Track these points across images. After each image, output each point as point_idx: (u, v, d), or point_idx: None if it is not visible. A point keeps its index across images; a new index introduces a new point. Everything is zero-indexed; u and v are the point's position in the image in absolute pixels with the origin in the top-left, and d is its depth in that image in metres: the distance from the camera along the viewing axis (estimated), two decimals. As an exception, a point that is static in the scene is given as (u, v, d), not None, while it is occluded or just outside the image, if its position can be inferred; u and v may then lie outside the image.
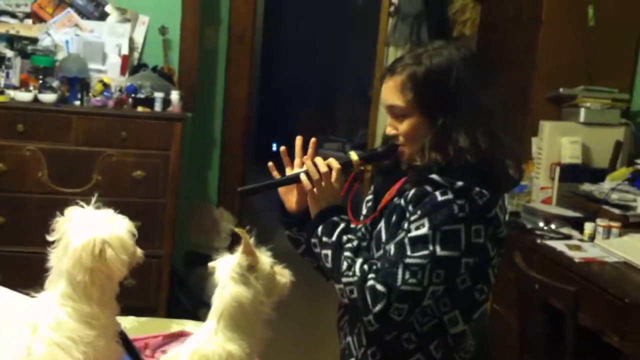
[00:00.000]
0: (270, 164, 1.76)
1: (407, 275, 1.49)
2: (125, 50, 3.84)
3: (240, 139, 4.85)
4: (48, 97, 3.54)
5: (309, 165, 1.65)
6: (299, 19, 7.94)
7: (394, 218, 1.61)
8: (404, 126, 1.63)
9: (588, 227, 3.02)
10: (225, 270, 1.47)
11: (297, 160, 1.74)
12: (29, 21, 3.82)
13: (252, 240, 1.49)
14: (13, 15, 3.80)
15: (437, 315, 1.60)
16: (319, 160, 1.66)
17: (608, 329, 2.53)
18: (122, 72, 3.82)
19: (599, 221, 2.99)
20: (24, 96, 3.53)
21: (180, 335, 2.04)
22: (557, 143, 3.42)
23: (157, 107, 3.68)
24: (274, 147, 8.73)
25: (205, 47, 4.40)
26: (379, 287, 1.49)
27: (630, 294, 2.46)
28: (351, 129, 7.42)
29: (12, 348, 1.52)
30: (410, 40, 4.03)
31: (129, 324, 2.09)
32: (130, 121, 3.63)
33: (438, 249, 1.50)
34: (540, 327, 2.69)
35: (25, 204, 3.58)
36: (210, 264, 1.52)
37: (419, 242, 1.51)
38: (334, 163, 1.66)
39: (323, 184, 1.64)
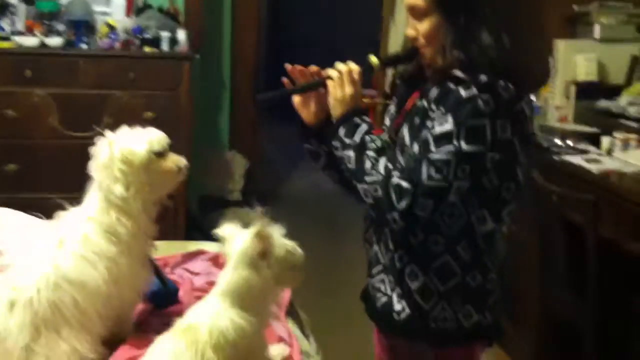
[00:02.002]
0: (288, 68, 1.71)
1: (432, 171, 1.45)
2: (129, -9, 3.79)
3: (250, 82, 4.80)
4: (54, 41, 3.51)
5: (330, 70, 1.62)
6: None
7: (417, 120, 1.58)
8: (424, 26, 1.57)
9: (606, 141, 2.98)
10: (237, 249, 1.45)
11: (313, 69, 1.69)
12: (31, -33, 3.77)
13: (267, 223, 1.46)
14: (14, -39, 3.75)
15: (464, 216, 1.56)
16: (338, 64, 1.63)
17: (629, 238, 2.51)
18: (128, 14, 3.78)
19: (617, 134, 2.95)
20: (30, 41, 3.50)
21: (199, 254, 2.04)
22: (572, 61, 3.36)
23: (164, 46, 3.65)
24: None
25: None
26: (404, 183, 1.46)
27: (651, 200, 2.43)
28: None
29: (40, 260, 1.52)
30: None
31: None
32: (138, 62, 3.60)
33: (463, 144, 1.46)
34: (559, 243, 2.67)
35: (36, 150, 3.58)
36: (222, 234, 1.49)
37: (443, 138, 1.47)
38: (353, 65, 1.62)
39: (345, 86, 1.60)
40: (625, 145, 2.91)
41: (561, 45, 3.40)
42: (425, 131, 1.51)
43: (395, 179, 1.47)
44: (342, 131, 1.58)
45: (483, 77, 1.47)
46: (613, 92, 3.28)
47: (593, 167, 2.78)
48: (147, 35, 3.65)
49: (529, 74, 1.57)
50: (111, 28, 3.63)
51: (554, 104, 3.41)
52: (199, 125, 4.33)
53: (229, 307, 1.44)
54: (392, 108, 1.78)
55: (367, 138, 1.56)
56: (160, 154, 1.66)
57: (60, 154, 3.50)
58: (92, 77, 3.55)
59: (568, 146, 3.08)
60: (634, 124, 3.00)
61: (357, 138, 1.56)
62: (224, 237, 1.49)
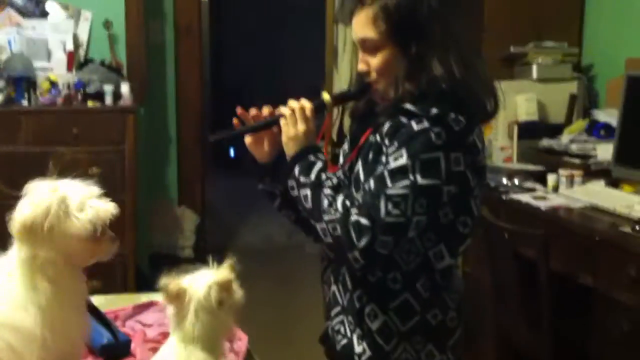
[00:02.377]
0: (238, 111, 1.68)
1: (390, 207, 1.44)
2: (70, 47, 3.76)
3: (196, 135, 4.77)
4: (-6, 98, 3.44)
5: (282, 108, 1.61)
6: (243, 15, 7.89)
7: (370, 155, 1.57)
8: (377, 60, 1.57)
9: (551, 178, 3.04)
10: (196, 295, 1.42)
11: (265, 110, 1.67)
12: (-32, 24, 3.72)
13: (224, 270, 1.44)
14: (-50, 19, 3.69)
15: (422, 252, 1.55)
16: (291, 101, 1.61)
17: (580, 271, 2.54)
18: (69, 69, 3.73)
19: (562, 171, 3.01)
20: (-32, 99, 3.43)
21: (150, 305, 1.98)
22: (512, 102, 3.43)
23: (108, 100, 3.61)
24: (232, 154, 8.66)
25: (151, 41, 4.33)
26: (363, 220, 1.43)
27: (600, 232, 2.47)
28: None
29: None
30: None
31: (96, 301, 2.01)
32: (81, 116, 3.55)
33: (419, 177, 1.45)
34: (512, 277, 2.69)
35: (-22, 210, 3.46)
36: (174, 284, 1.45)
37: (398, 173, 1.46)
38: (306, 103, 1.61)
39: (298, 124, 1.58)
40: (571, 181, 2.96)
41: (501, 86, 3.46)
42: (380, 167, 1.50)
43: (354, 217, 1.45)
44: (297, 170, 1.56)
45: (434, 110, 1.48)
46: (554, 130, 3.36)
47: (541, 204, 2.82)
48: (90, 90, 3.61)
49: (479, 104, 1.58)
50: (52, 83, 3.58)
51: (498, 144, 3.47)
52: (146, 180, 4.27)
53: (192, 348, 1.40)
54: (345, 146, 1.78)
55: (323, 176, 1.53)
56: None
57: (1, 214, 3.40)
58: (33, 133, 3.48)
59: (515, 185, 3.13)
60: (577, 161, 3.07)
61: (312, 176, 1.54)
62: (178, 288, 1.45)
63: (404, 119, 1.51)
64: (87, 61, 3.81)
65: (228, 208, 6.40)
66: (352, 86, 1.71)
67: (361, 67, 1.60)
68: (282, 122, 1.59)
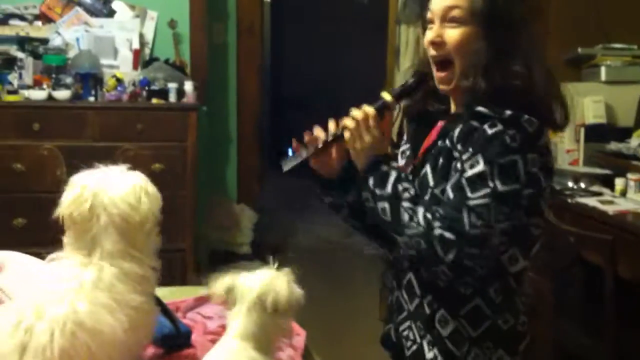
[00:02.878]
0: (294, 142, 1.64)
1: (474, 219, 1.40)
2: (136, 45, 3.83)
3: (255, 134, 4.81)
4: (62, 94, 3.53)
5: (345, 120, 1.57)
6: (303, 16, 7.92)
7: (440, 161, 1.52)
8: (457, 34, 1.50)
9: (619, 182, 2.95)
10: (250, 294, 1.43)
11: (331, 126, 1.61)
12: (39, 23, 3.82)
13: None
14: (22, 17, 3.80)
15: (496, 256, 1.51)
16: (353, 111, 1.57)
17: (649, 277, 2.46)
18: (135, 66, 3.80)
19: (630, 176, 2.92)
20: (37, 94, 3.52)
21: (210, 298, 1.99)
22: (579, 104, 3.35)
23: (172, 97, 3.66)
24: (290, 153, 8.70)
25: (214, 41, 4.38)
26: (447, 234, 1.40)
27: (671, 239, 2.39)
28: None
29: (56, 303, 1.47)
30: (422, 16, 3.99)
31: (158, 292, 2.04)
32: (145, 113, 3.61)
33: (498, 184, 1.41)
34: (575, 283, 2.61)
35: (44, 204, 3.49)
36: (222, 282, 1.46)
37: (477, 181, 1.42)
38: (368, 109, 1.57)
39: (363, 135, 1.55)
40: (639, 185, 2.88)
41: (567, 89, 3.38)
42: (455, 174, 1.46)
43: (438, 230, 1.41)
44: (371, 182, 1.52)
45: (507, 112, 1.44)
46: (623, 133, 3.27)
47: (608, 209, 2.74)
48: (155, 87, 3.67)
49: (550, 109, 1.53)
50: (118, 80, 3.64)
51: (564, 147, 3.39)
52: (207, 177, 4.32)
53: (248, 348, 1.40)
54: (404, 147, 1.75)
55: (400, 187, 1.50)
56: None
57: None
58: (99, 129, 3.55)
59: (581, 188, 3.05)
60: (646, 165, 2.98)
61: (388, 188, 1.50)
62: (231, 285, 1.46)
63: (475, 123, 1.46)
64: (152, 59, 3.87)
65: (285, 207, 6.42)
66: (409, 79, 1.67)
67: (433, 37, 1.53)
68: (347, 135, 1.55)
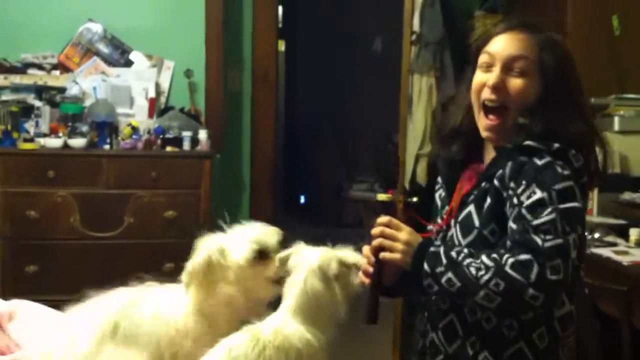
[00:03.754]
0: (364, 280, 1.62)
1: (543, 235, 1.40)
2: (152, 94, 3.88)
3: (269, 182, 4.82)
4: (78, 142, 3.57)
5: (375, 237, 1.55)
6: (316, 62, 8.04)
7: (488, 201, 1.54)
8: (520, 84, 1.56)
9: (634, 232, 2.93)
10: (308, 262, 1.44)
11: (367, 254, 1.59)
12: (57, 72, 3.88)
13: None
14: (40, 67, 3.87)
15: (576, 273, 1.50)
16: (376, 225, 1.56)
17: (666, 330, 2.42)
18: (150, 115, 3.85)
19: (645, 226, 2.90)
20: (53, 142, 3.56)
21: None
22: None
23: (186, 146, 3.69)
24: (302, 200, 8.73)
25: (230, 89, 4.42)
26: (522, 257, 1.39)
27: (687, 291, 2.35)
28: (378, 168, 7.34)
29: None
30: (434, 67, 4.02)
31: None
32: (160, 161, 3.64)
33: (559, 205, 1.43)
34: (594, 335, 2.57)
35: (58, 250, 3.56)
36: (284, 254, 1.50)
37: (537, 207, 1.43)
38: (383, 220, 1.56)
39: (396, 241, 1.53)
40: (654, 236, 2.85)
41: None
42: (515, 209, 1.47)
43: (511, 259, 1.40)
44: (426, 266, 1.49)
45: (555, 145, 1.48)
46: (637, 183, 3.25)
47: (623, 259, 2.71)
48: (169, 135, 3.71)
49: (592, 153, 1.57)
50: (134, 129, 3.69)
51: (578, 196, 3.37)
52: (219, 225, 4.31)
53: (299, 319, 1.41)
54: (441, 192, 1.77)
55: (454, 254, 1.47)
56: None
57: (81, 254, 3.50)
58: (114, 176, 3.58)
59: (595, 239, 3.03)
60: (661, 215, 2.95)
61: (445, 261, 1.47)
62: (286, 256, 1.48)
63: (524, 158, 1.49)
64: (168, 108, 3.92)
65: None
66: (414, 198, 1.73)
67: (496, 82, 1.57)
68: (383, 255, 1.53)
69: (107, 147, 3.64)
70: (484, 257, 1.44)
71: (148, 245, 3.59)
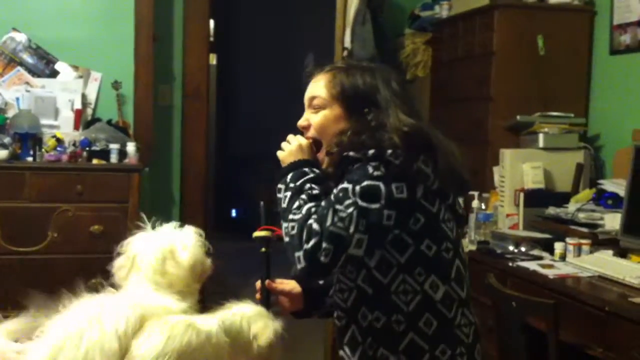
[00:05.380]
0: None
1: (336, 219, 1.53)
2: (78, 105, 3.78)
3: (200, 197, 4.75)
4: (-1, 154, 3.44)
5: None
6: (252, 82, 8.01)
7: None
8: (317, 117, 1.75)
9: (558, 246, 3.00)
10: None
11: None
12: (-23, 82, 3.74)
13: None
14: (-40, 76, 3.72)
15: (418, 289, 1.62)
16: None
17: (590, 342, 2.48)
18: (76, 127, 3.74)
19: (569, 240, 2.98)
20: (-26, 154, 3.42)
21: None
22: (518, 170, 3.43)
23: (113, 159, 3.60)
24: (234, 213, 8.66)
25: (160, 103, 4.35)
26: (315, 225, 1.54)
27: (610, 303, 2.42)
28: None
29: None
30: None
31: None
32: (86, 174, 3.54)
33: (359, 200, 1.55)
34: (521, 348, 2.61)
35: (-23, 266, 3.41)
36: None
37: (342, 192, 1.57)
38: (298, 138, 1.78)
39: (292, 142, 1.77)
40: (578, 250, 2.93)
41: (507, 155, 3.48)
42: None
43: (311, 220, 1.55)
44: (289, 176, 1.69)
45: (371, 151, 1.59)
46: (561, 198, 3.34)
47: (549, 272, 2.78)
48: (96, 148, 3.61)
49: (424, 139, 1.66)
50: (58, 141, 3.58)
51: (504, 211, 3.44)
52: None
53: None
54: None
55: (308, 185, 1.65)
56: None
57: (3, 270, 3.36)
58: (37, 190, 3.46)
59: (521, 252, 3.09)
60: (584, 230, 3.03)
61: (299, 183, 1.66)
62: None
63: (350, 167, 1.63)
64: (94, 120, 3.82)
65: (230, 270, 6.33)
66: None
67: (300, 121, 1.80)
68: (278, 153, 1.77)
69: (30, 159, 3.52)
70: (308, 205, 1.60)
71: (73, 260, 3.47)
